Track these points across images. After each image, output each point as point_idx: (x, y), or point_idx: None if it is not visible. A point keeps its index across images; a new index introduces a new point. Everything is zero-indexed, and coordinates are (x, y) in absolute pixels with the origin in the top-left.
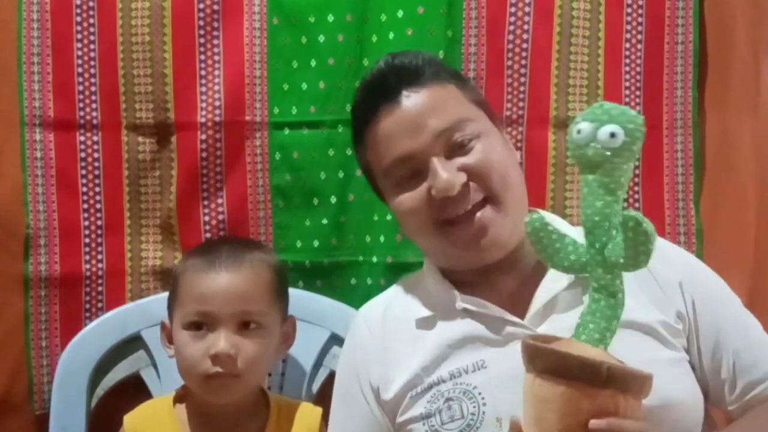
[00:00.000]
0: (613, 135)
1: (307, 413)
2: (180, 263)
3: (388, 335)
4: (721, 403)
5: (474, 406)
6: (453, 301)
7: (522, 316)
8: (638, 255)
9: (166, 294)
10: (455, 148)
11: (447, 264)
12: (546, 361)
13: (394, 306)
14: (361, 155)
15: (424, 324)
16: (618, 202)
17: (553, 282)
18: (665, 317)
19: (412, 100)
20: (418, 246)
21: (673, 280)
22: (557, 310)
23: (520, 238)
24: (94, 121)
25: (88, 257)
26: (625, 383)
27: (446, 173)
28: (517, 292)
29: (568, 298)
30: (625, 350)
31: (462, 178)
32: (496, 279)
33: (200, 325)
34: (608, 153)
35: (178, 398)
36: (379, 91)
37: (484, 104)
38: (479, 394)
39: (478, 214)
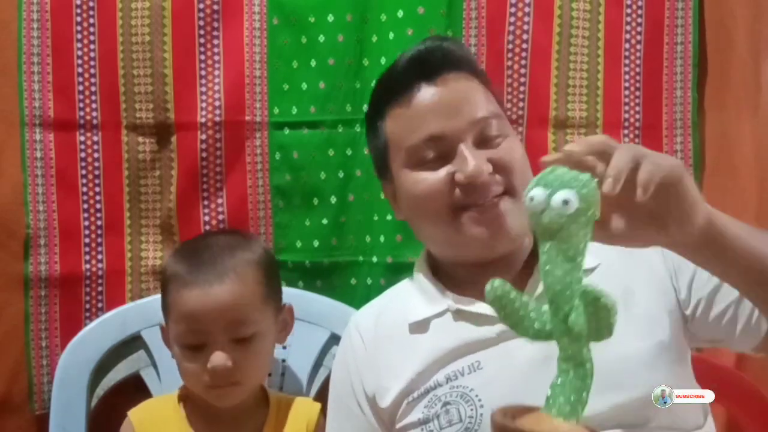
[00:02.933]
0: (566, 202)
1: (306, 408)
2: (168, 264)
3: (381, 342)
4: (740, 347)
5: (471, 409)
6: (445, 302)
7: None
8: (600, 329)
9: None
10: (484, 141)
11: (448, 253)
12: None
13: (386, 313)
14: (377, 128)
15: (418, 328)
16: (578, 268)
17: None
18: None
19: (452, 83)
20: (418, 233)
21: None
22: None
23: (524, 236)
24: (94, 121)
25: (88, 257)
26: None
27: (475, 160)
28: None
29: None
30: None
31: (489, 167)
32: (488, 277)
33: (194, 340)
34: (563, 220)
35: (181, 397)
36: (421, 68)
37: (503, 107)
38: (476, 396)
39: (498, 202)
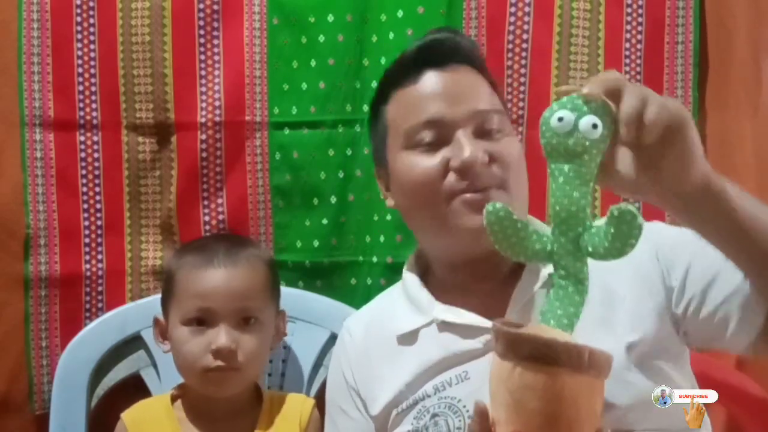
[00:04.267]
0: (595, 126)
1: (299, 403)
2: (174, 260)
3: (371, 352)
4: (734, 346)
5: (459, 420)
6: (432, 312)
7: None
8: (625, 246)
9: None
10: (484, 133)
11: (437, 243)
12: (530, 349)
13: (376, 323)
14: (379, 112)
15: (405, 340)
16: (590, 193)
17: (528, 283)
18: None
19: (460, 73)
20: (409, 221)
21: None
22: (535, 311)
23: None
24: (94, 121)
25: (88, 257)
26: (601, 368)
27: (472, 146)
28: (494, 296)
29: (545, 297)
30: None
31: (485, 157)
32: (474, 284)
33: (200, 321)
34: (587, 143)
35: (174, 397)
36: (430, 55)
37: (506, 109)
38: (464, 407)
39: (489, 193)
